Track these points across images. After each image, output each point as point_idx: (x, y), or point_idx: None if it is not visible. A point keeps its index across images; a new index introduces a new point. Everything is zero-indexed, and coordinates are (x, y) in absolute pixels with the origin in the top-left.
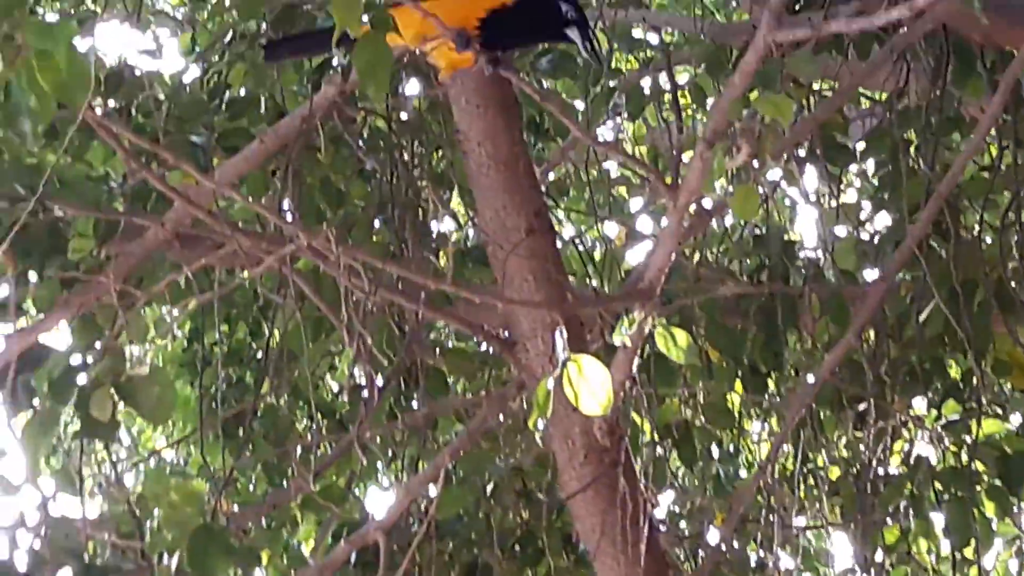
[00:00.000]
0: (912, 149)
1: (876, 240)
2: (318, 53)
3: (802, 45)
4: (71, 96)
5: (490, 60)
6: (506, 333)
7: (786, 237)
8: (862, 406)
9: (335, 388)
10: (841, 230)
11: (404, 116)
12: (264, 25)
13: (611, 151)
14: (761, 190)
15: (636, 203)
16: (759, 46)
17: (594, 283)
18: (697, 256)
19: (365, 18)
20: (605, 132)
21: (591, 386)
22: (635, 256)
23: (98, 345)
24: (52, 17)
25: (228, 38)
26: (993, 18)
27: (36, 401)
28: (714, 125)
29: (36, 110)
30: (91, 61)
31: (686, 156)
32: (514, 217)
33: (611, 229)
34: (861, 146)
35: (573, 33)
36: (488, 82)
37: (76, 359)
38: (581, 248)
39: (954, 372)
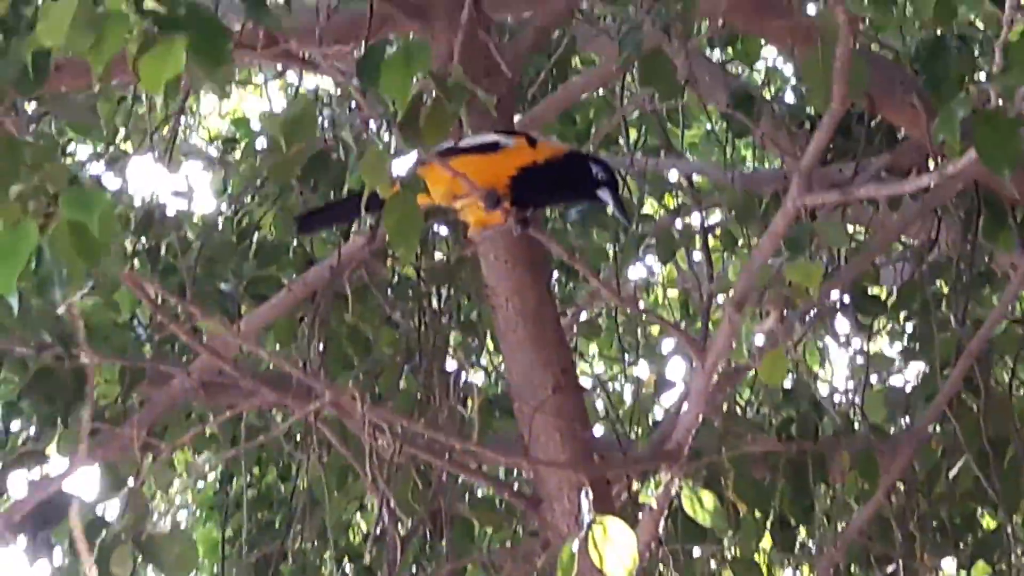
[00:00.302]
0: (943, 301)
1: (907, 390)
2: (350, 220)
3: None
4: (104, 266)
5: (519, 220)
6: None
7: (815, 387)
8: (890, 568)
9: (364, 528)
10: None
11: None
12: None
13: (635, 308)
14: (790, 347)
15: (668, 343)
16: (788, 210)
17: (622, 428)
18: (725, 406)
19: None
20: (637, 272)
21: (616, 549)
22: (666, 398)
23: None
24: (84, 151)
25: (260, 180)
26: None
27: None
28: (743, 288)
29: (67, 280)
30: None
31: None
32: (541, 374)
33: (642, 370)
34: (892, 292)
35: (604, 194)
36: (517, 239)
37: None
38: (609, 393)
39: (986, 523)
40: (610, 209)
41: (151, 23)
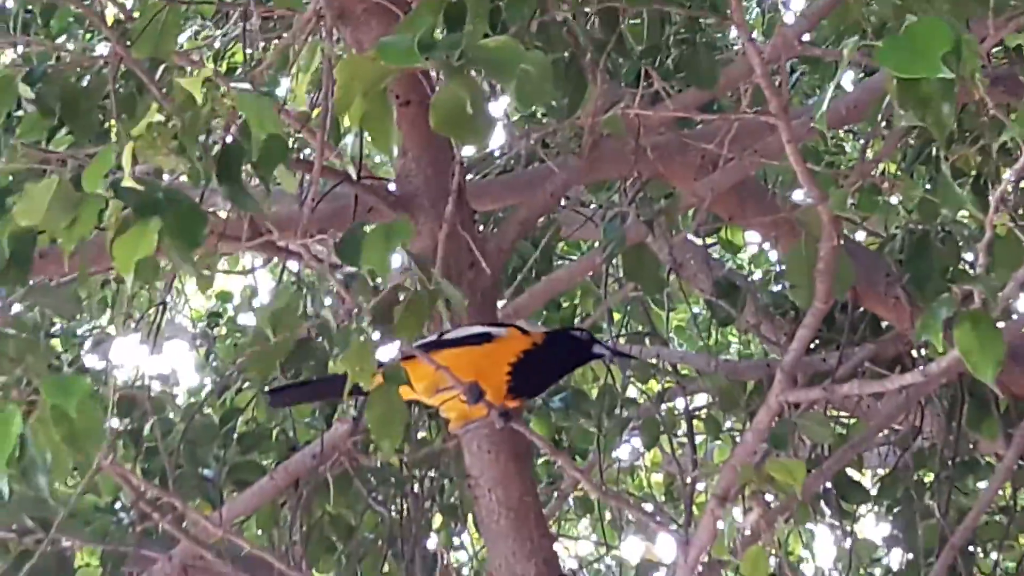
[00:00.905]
0: (927, 490)
1: None
2: (325, 399)
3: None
4: (84, 449)
5: (502, 413)
6: None
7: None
8: None
9: None
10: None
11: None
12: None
13: (620, 503)
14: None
15: None
16: (772, 406)
17: None
18: None
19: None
20: (624, 452)
21: None
22: None
23: None
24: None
25: (243, 366)
26: (1009, 366)
27: None
28: (726, 483)
29: (51, 467)
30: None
31: (699, 486)
32: (523, 564)
33: (631, 546)
34: (876, 474)
35: (599, 349)
36: (500, 429)
37: None
38: None
39: None
40: (609, 359)
41: (128, 206)
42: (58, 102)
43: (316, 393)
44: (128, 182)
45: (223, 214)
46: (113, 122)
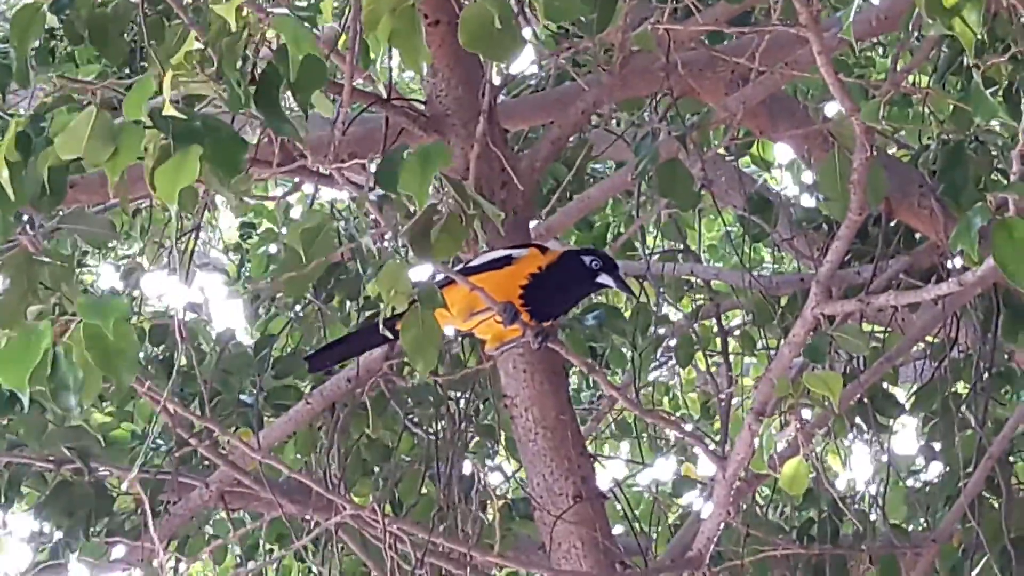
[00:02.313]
0: (963, 401)
1: (927, 490)
2: (363, 351)
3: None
4: (118, 373)
5: (537, 333)
6: None
7: (834, 488)
8: None
9: None
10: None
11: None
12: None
13: (657, 420)
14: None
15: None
16: (808, 319)
17: (641, 529)
18: (744, 506)
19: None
20: (658, 375)
21: None
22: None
23: None
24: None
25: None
26: None
27: None
28: (763, 397)
29: (82, 386)
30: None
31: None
32: (561, 483)
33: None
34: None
35: (603, 279)
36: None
37: None
38: (628, 497)
39: None
40: (615, 287)
41: (168, 134)
42: (86, 29)
43: (352, 348)
44: (169, 110)
45: (253, 139)
46: (143, 49)
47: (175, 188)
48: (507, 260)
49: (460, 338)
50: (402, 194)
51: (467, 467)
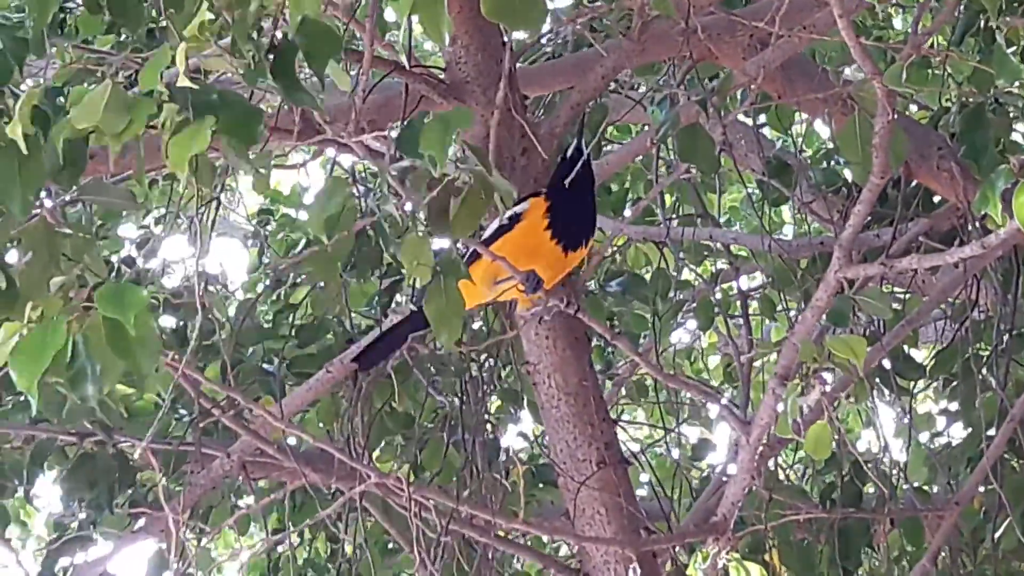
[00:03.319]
0: (984, 363)
1: (949, 453)
2: (404, 343)
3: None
4: (138, 364)
5: (566, 302)
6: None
7: (857, 450)
8: None
9: None
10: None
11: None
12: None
13: (678, 384)
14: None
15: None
16: (830, 283)
17: (664, 493)
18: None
19: None
20: (680, 336)
21: None
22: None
23: None
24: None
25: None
26: None
27: None
28: (786, 362)
29: (101, 376)
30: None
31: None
32: (584, 449)
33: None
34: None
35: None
36: (557, 314)
37: None
38: (651, 462)
39: None
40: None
41: (184, 106)
42: None
43: (396, 341)
44: (184, 81)
45: (273, 107)
46: (161, 18)
47: (185, 156)
48: (515, 218)
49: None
50: (423, 161)
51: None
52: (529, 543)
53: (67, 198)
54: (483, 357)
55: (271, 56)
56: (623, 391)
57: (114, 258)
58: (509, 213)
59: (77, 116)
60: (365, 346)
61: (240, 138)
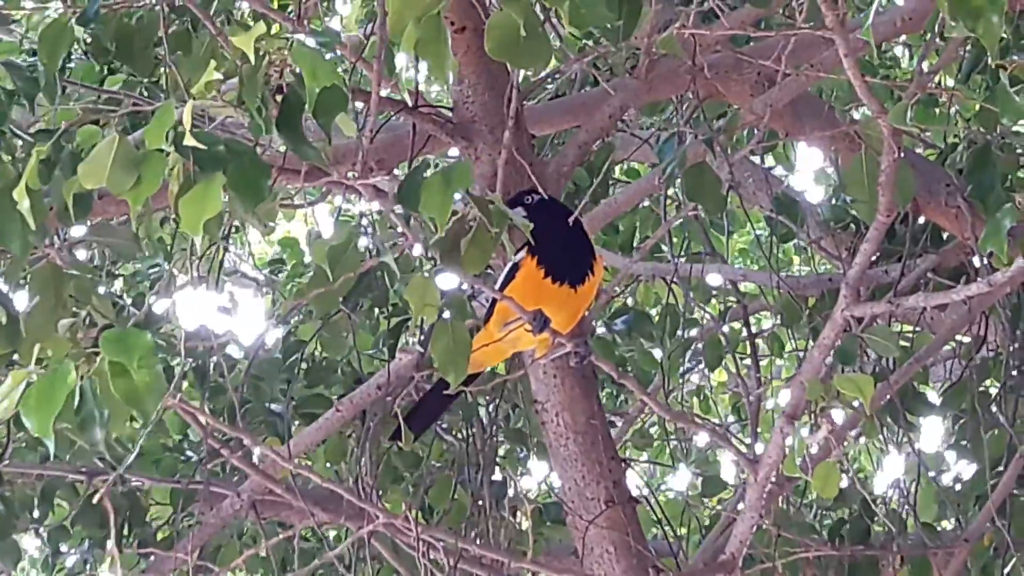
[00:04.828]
0: (992, 400)
1: (958, 488)
2: (443, 409)
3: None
4: (143, 406)
5: (578, 355)
6: None
7: (867, 491)
8: None
9: None
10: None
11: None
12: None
13: (685, 422)
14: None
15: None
16: (837, 321)
17: (672, 532)
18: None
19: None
20: (688, 378)
21: None
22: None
23: None
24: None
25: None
26: None
27: None
28: (794, 400)
29: (109, 421)
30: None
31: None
32: (593, 488)
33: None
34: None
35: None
36: (567, 355)
37: None
38: (659, 501)
39: None
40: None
41: (190, 161)
42: (113, 42)
43: (437, 405)
44: (190, 141)
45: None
46: (169, 61)
47: (199, 220)
48: (515, 268)
49: None
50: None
51: (498, 473)
52: None
53: (73, 240)
54: (490, 398)
55: (279, 105)
56: (628, 433)
57: (126, 295)
58: (510, 264)
59: (84, 174)
60: (411, 410)
61: (248, 196)
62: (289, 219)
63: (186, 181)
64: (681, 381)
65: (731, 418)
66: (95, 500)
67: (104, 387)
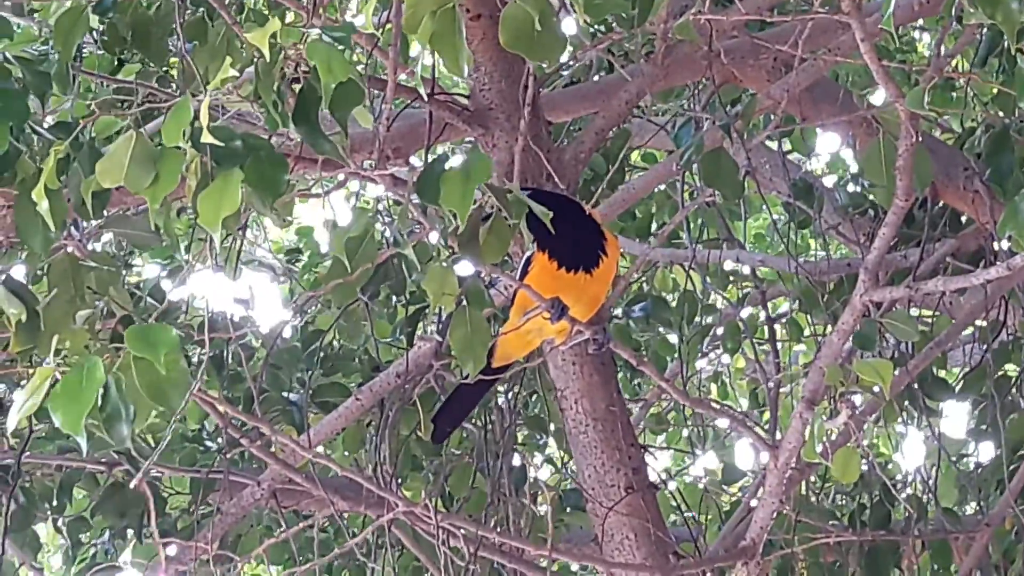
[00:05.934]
0: (1012, 384)
1: (979, 474)
2: (475, 403)
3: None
4: (167, 401)
5: (596, 334)
6: None
7: (887, 476)
8: None
9: None
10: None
11: None
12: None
13: (704, 408)
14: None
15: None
16: (856, 306)
17: (693, 519)
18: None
19: None
20: (706, 363)
21: None
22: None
23: None
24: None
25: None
26: None
27: None
28: (813, 386)
29: (134, 417)
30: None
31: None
32: (613, 475)
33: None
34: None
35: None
36: (586, 342)
37: None
38: (679, 487)
39: None
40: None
41: (208, 157)
42: (129, 31)
43: (469, 400)
44: (207, 138)
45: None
46: (184, 51)
47: (218, 216)
48: (528, 261)
49: None
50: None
51: (517, 460)
52: (557, 569)
53: (91, 230)
54: (509, 386)
55: (295, 98)
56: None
57: (143, 284)
58: (524, 258)
59: (103, 172)
60: (435, 413)
61: (266, 191)
62: (304, 202)
63: (204, 177)
64: (699, 368)
65: (747, 404)
66: (132, 485)
67: (129, 382)
